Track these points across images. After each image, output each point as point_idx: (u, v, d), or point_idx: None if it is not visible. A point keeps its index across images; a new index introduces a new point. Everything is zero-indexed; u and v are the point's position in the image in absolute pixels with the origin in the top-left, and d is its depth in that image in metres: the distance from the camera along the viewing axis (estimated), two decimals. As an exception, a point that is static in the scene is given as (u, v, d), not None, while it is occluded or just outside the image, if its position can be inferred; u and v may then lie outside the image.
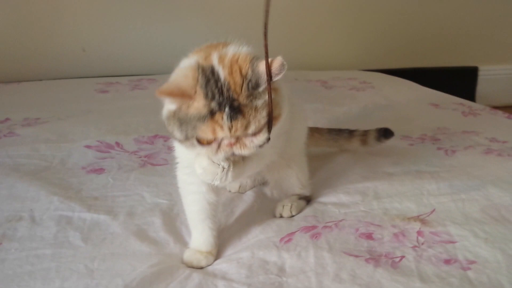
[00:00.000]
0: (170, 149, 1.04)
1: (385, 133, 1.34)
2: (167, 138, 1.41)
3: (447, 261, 0.87)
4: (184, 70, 0.77)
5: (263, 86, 0.72)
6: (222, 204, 1.07)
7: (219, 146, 0.76)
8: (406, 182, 1.20)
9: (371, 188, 1.18)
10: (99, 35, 2.41)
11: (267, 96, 0.73)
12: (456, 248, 0.91)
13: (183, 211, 1.01)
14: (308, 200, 1.13)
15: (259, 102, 0.73)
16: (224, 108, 0.72)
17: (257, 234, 0.99)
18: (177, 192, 1.00)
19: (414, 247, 0.92)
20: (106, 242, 0.96)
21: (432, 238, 0.95)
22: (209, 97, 0.72)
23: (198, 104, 0.73)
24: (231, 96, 0.72)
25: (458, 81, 2.79)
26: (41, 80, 2.24)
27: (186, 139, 0.76)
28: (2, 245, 0.94)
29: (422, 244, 0.92)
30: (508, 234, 0.96)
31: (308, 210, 1.08)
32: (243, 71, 0.73)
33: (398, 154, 1.39)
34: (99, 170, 1.27)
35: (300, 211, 1.08)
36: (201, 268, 0.90)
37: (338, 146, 1.36)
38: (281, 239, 0.96)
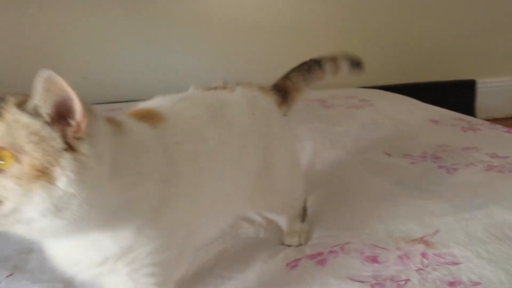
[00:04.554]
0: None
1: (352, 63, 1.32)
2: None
3: (452, 284, 0.88)
4: None
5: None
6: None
7: None
8: (409, 202, 1.22)
9: (374, 209, 1.19)
10: (100, 62, 2.44)
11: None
12: (460, 270, 0.92)
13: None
14: (305, 209, 1.14)
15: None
16: None
17: (266, 259, 1.00)
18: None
19: (418, 269, 0.93)
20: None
21: (436, 260, 0.96)
22: None
23: None
24: None
25: (457, 95, 2.80)
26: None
27: None
28: (14, 276, 0.96)
29: (427, 266, 0.94)
30: (511, 253, 0.97)
31: (313, 235, 1.10)
32: None
33: (400, 173, 1.41)
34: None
35: (307, 235, 1.10)
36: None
37: (316, 81, 1.31)
38: (287, 264, 0.97)
